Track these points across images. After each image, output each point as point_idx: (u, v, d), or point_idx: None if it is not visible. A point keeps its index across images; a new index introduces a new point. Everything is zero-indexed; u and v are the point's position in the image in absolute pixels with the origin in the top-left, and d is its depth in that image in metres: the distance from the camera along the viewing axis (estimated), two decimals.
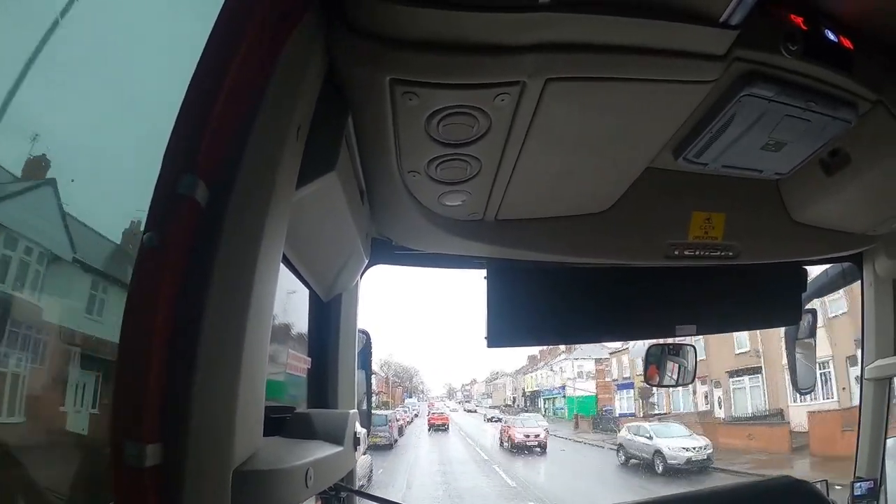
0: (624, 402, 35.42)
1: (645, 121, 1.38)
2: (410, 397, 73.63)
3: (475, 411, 67.39)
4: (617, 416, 34.26)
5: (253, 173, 0.80)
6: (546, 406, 50.80)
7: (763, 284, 2.32)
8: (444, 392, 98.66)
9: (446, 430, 41.35)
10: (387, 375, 61.41)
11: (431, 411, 50.16)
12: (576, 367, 43.69)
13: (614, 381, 37.34)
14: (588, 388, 41.23)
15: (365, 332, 2.16)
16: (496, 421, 45.23)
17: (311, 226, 1.35)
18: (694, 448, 19.30)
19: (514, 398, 65.25)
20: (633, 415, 32.07)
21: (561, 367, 45.61)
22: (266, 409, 0.89)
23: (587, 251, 1.88)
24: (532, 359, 56.41)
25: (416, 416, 52.05)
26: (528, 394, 58.79)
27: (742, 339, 23.17)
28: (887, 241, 2.28)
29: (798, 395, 18.21)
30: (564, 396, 45.42)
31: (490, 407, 66.07)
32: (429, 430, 40.94)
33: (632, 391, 34.14)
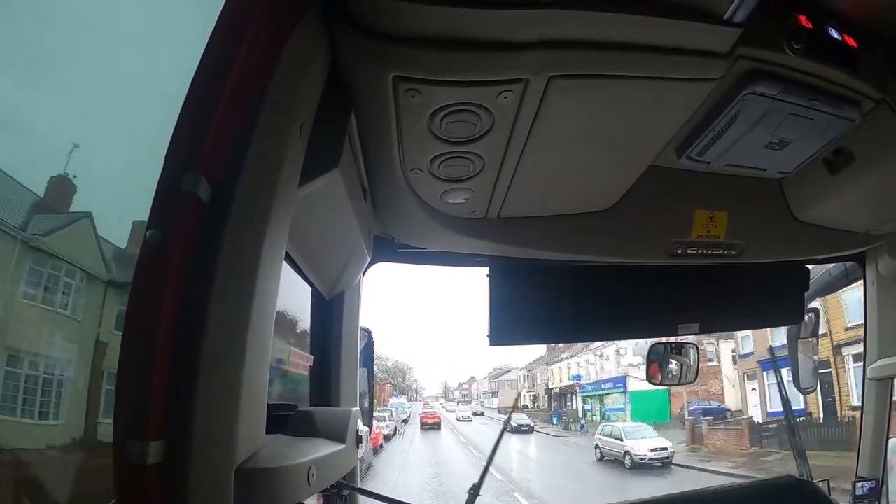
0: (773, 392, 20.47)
1: (648, 119, 1.37)
2: (400, 396, 62.84)
3: (482, 414, 56.74)
4: (761, 420, 21.05)
5: (256, 171, 0.80)
6: (589, 407, 37.41)
7: (766, 283, 2.31)
8: (439, 391, 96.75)
9: (438, 428, 39.48)
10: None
11: (425, 410, 47.95)
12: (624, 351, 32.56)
13: (746, 354, 22.60)
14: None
15: (367, 330, 2.16)
16: (526, 431, 34.68)
17: (313, 223, 1.35)
18: None
19: (535, 396, 53.01)
20: (805, 413, 18.33)
21: (619, 351, 33.92)
22: (268, 406, 0.89)
23: (590, 249, 1.88)
24: (551, 347, 44.68)
25: (406, 420, 43.78)
26: (554, 391, 46.00)
27: None
28: (891, 241, 2.27)
29: None
30: (625, 391, 32.67)
31: (517, 410, 49.68)
32: (421, 428, 39.41)
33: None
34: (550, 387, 47.47)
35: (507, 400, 61.91)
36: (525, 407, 51.86)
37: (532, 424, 36.63)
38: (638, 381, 30.18)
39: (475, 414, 57.76)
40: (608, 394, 35.15)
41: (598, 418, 33.90)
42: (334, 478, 1.24)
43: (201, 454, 0.72)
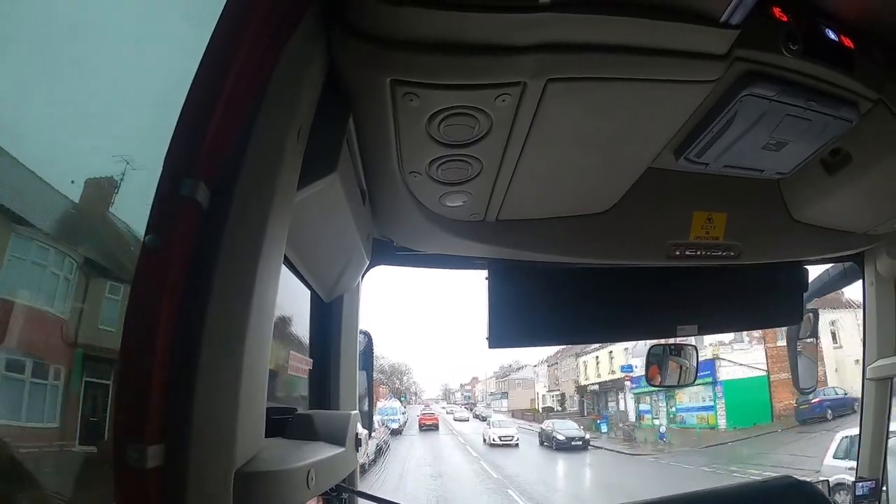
0: None
1: (646, 121, 1.38)
2: (392, 398, 50.90)
3: (486, 417, 43.10)
4: None
5: (254, 175, 0.80)
6: (647, 407, 28.68)
7: (764, 284, 2.32)
8: (439, 393, 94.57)
9: (436, 429, 37.30)
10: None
11: (423, 412, 45.58)
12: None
13: None
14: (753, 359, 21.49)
15: (366, 333, 2.16)
16: (579, 446, 24.69)
17: (312, 227, 1.35)
18: None
19: (562, 396, 42.83)
20: None
21: None
22: (268, 410, 0.89)
23: (588, 251, 1.88)
24: None
25: (399, 430, 34.43)
26: (589, 388, 36.34)
27: None
28: (889, 241, 2.28)
29: None
30: (714, 383, 23.74)
31: (535, 412, 42.56)
32: (420, 429, 37.29)
33: None
34: (583, 383, 37.65)
35: (519, 402, 53.47)
36: (549, 410, 43.23)
37: (586, 437, 26.27)
38: (733, 368, 21.96)
39: (483, 419, 45.36)
40: (681, 386, 27.30)
41: (665, 422, 26.20)
42: (333, 481, 1.24)
43: (201, 457, 0.72)
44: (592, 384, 36.28)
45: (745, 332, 22.19)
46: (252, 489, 0.77)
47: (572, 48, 1.07)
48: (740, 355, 22.46)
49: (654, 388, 25.56)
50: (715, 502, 2.30)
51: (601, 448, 25.48)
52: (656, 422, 27.87)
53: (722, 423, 23.81)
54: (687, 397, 26.07)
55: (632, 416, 30.31)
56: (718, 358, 23.43)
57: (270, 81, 0.83)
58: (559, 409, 42.32)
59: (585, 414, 36.09)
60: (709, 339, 23.72)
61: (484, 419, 44.66)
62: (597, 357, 35.13)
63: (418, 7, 0.94)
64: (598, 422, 31.83)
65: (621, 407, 31.50)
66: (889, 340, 2.48)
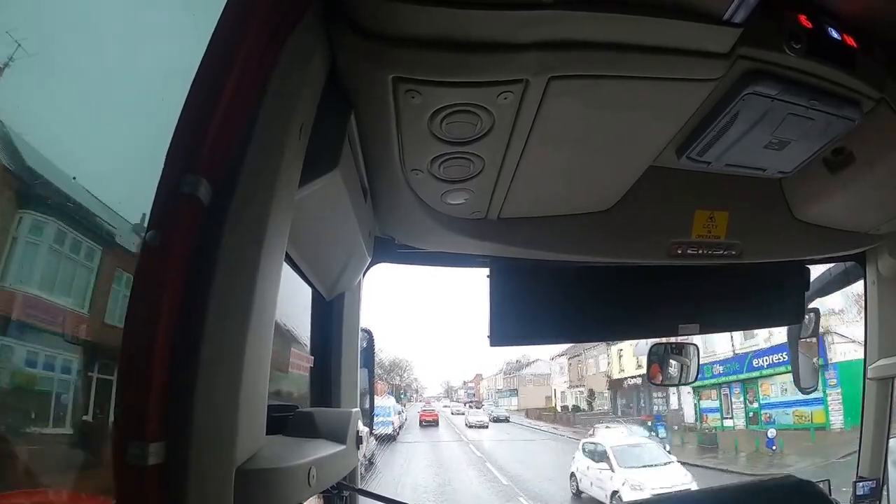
0: None
1: (648, 119, 1.37)
2: (395, 397, 47.19)
3: (507, 420, 39.07)
4: None
5: (256, 172, 0.80)
6: (713, 404, 22.00)
7: (766, 283, 2.32)
8: (441, 391, 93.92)
9: (436, 425, 37.33)
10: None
11: (424, 409, 45.43)
12: None
13: None
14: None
15: (367, 331, 2.16)
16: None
17: (313, 224, 1.35)
18: None
19: (591, 393, 35.79)
20: None
21: None
22: (269, 407, 0.89)
23: (590, 250, 1.88)
24: None
25: (394, 435, 29.89)
26: (626, 383, 30.08)
27: None
28: (891, 240, 2.28)
29: None
30: (824, 366, 15.82)
31: (551, 412, 37.69)
32: (420, 425, 37.54)
33: None
34: (618, 377, 30.97)
35: (531, 400, 47.72)
36: (576, 409, 36.55)
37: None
38: (848, 346, 15.03)
39: (496, 419, 39.72)
40: (770, 375, 18.62)
41: (744, 422, 19.69)
42: (334, 478, 1.24)
43: (202, 455, 0.72)
44: (632, 377, 28.94)
45: (852, 300, 14.46)
46: (253, 487, 0.77)
47: (574, 46, 1.07)
48: (855, 329, 14.64)
49: (723, 380, 20.96)
50: (715, 502, 2.30)
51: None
52: (727, 422, 21.44)
53: (836, 420, 17.26)
54: (777, 388, 19.05)
55: (689, 416, 23.91)
56: (829, 332, 15.75)
57: (272, 78, 0.83)
58: (586, 408, 35.38)
59: (620, 413, 29.64)
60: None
61: (499, 420, 39.45)
62: (635, 344, 25.51)
63: (420, 4, 0.94)
64: (653, 424, 24.01)
65: (673, 404, 24.84)
66: (891, 340, 2.47)
